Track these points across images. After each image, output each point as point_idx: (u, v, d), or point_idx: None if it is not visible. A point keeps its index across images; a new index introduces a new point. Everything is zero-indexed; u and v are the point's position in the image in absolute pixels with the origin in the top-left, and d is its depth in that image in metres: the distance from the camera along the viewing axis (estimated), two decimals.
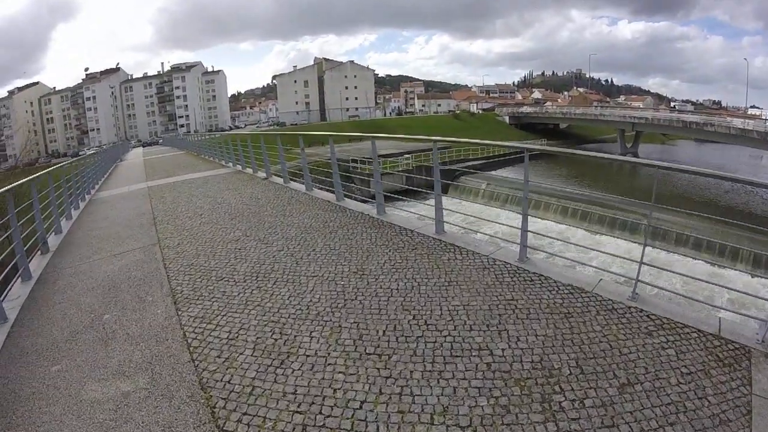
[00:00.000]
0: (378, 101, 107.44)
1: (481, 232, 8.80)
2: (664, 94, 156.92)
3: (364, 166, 27.67)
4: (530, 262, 4.72)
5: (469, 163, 34.56)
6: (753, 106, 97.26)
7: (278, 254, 5.49)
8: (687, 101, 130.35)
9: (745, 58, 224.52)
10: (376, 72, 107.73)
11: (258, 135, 13.52)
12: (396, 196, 17.10)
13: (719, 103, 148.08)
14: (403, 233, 5.97)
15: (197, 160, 21.08)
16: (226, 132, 65.90)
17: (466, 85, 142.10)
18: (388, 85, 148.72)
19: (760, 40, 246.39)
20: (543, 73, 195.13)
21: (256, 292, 4.43)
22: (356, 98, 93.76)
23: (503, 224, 6.88)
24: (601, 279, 4.30)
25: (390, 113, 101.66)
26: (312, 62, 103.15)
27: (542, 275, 4.40)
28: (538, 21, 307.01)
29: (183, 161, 21.89)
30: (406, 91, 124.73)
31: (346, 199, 8.12)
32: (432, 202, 6.15)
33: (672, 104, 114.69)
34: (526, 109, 68.36)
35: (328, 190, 8.77)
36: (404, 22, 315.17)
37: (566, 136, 60.36)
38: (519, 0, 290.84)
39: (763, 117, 57.37)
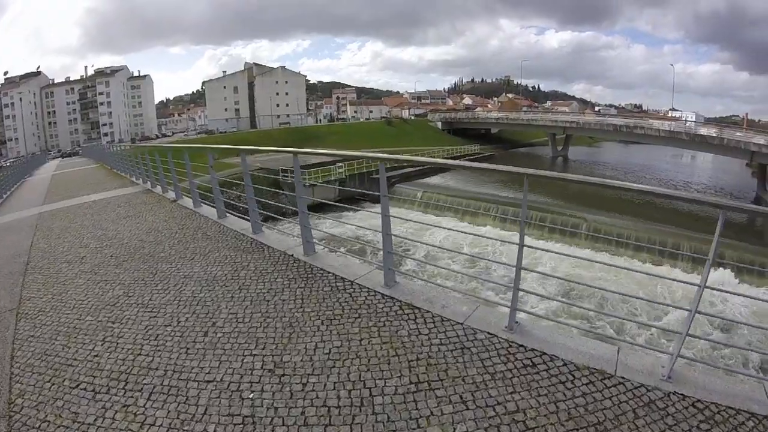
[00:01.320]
0: (310, 108, 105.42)
1: (440, 267, 7.61)
2: (588, 99, 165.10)
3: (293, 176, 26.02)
4: (522, 330, 3.47)
5: (405, 171, 33.54)
6: (673, 109, 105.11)
7: (163, 335, 3.81)
8: (610, 105, 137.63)
9: (672, 64, 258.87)
10: (308, 78, 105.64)
11: (166, 148, 11.60)
12: (340, 203, 15.61)
13: (640, 106, 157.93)
14: (341, 288, 4.43)
15: (108, 176, 18.71)
16: (152, 141, 61.93)
17: (398, 92, 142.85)
18: (320, 91, 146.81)
19: (681, 48, 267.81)
20: (473, 80, 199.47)
21: (120, 416, 2.83)
22: (287, 105, 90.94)
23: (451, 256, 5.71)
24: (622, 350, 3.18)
25: (320, 120, 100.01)
26: (243, 67, 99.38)
27: (544, 353, 3.16)
28: (470, 30, 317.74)
29: (93, 177, 19.37)
30: (338, 98, 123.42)
31: (265, 230, 6.53)
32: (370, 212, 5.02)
33: (596, 108, 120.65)
34: (457, 114, 68.89)
35: (244, 218, 7.07)
36: (338, 28, 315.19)
37: (498, 141, 61.22)
38: (452, 9, 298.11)
39: (684, 118, 62.13)
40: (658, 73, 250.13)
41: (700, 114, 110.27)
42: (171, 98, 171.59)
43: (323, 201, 15.01)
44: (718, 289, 12.10)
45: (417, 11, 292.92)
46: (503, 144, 60.30)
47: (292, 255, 5.43)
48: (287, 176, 26.67)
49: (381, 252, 4.30)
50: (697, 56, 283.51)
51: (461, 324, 3.60)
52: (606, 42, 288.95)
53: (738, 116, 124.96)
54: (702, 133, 37.83)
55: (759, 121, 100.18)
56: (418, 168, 34.30)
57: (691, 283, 2.93)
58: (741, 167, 58.55)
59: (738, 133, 36.63)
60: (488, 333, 3.46)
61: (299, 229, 5.38)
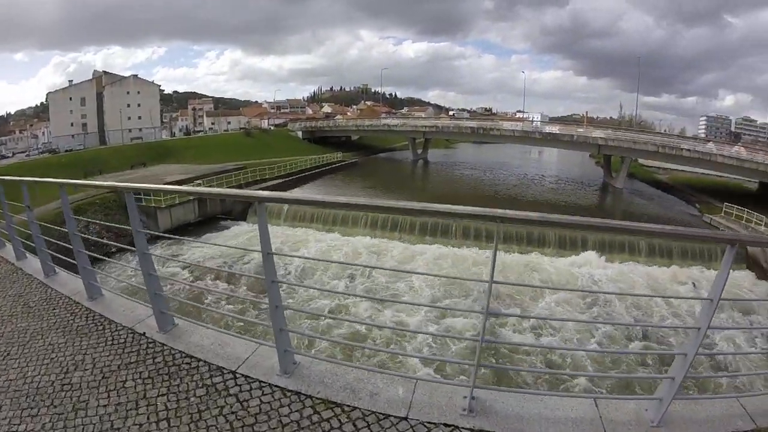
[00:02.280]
0: (164, 120, 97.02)
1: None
2: (443, 105, 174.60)
3: (150, 197, 23.08)
4: (486, 409, 2.69)
5: (269, 183, 31.74)
6: (520, 111, 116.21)
7: None
8: (463, 109, 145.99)
9: (523, 71, 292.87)
10: (162, 88, 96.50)
11: None
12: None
13: (490, 110, 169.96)
14: (219, 385, 3.03)
15: None
16: None
17: (257, 102, 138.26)
18: (175, 102, 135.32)
19: (527, 57, 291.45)
20: (332, 89, 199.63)
21: None
22: (140, 117, 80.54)
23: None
24: None
25: (176, 133, 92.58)
26: (91, 76, 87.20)
27: None
28: (330, 39, 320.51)
29: None
30: (194, 109, 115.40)
31: (105, 293, 4.58)
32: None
33: (451, 112, 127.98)
34: (318, 123, 68.18)
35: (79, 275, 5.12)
36: (197, 35, 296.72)
37: (359, 147, 61.36)
38: (313, 19, 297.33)
39: (531, 119, 68.86)
40: (506, 80, 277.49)
41: (546, 114, 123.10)
42: (12, 112, 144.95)
43: (161, 234, 12.96)
44: (722, 328, 12.26)
45: (278, 19, 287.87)
46: (365, 150, 60.59)
47: (144, 334, 3.82)
48: (140, 198, 22.98)
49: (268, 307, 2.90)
50: (542, 64, 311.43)
51: (405, 419, 2.66)
52: (459, 52, 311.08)
53: (578, 114, 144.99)
54: (554, 131, 42.21)
55: (597, 117, 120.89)
56: (282, 180, 33.01)
57: (690, 327, 2.60)
58: (583, 158, 66.41)
59: (580, 129, 42.03)
60: (444, 425, 2.60)
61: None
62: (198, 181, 26.97)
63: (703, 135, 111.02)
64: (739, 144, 50.72)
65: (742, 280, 20.48)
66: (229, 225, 25.47)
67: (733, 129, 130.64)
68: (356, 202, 2.84)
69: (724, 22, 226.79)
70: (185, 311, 9.87)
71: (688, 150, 34.34)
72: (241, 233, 23.90)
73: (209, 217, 26.06)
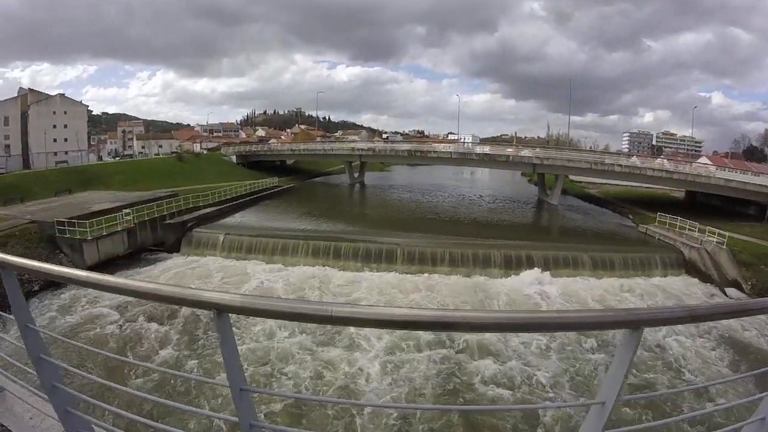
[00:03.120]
0: (92, 143, 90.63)
1: None
2: (375, 128, 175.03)
3: (74, 228, 20.75)
4: None
5: (202, 212, 29.43)
6: (451, 133, 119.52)
7: None
8: (395, 132, 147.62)
9: (457, 95, 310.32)
10: (90, 109, 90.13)
11: None
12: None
13: (422, 132, 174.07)
14: None
15: None
16: None
17: (189, 125, 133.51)
18: (104, 124, 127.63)
19: (457, 81, 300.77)
20: (265, 112, 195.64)
21: None
22: (66, 139, 74.04)
23: None
24: None
25: (102, 157, 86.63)
26: (17, 94, 79.89)
27: None
28: (264, 62, 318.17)
29: None
30: (124, 131, 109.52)
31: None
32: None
33: (384, 135, 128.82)
34: (252, 147, 66.26)
35: None
36: (129, 54, 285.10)
37: (295, 172, 60.03)
38: (247, 42, 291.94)
39: (462, 140, 70.46)
40: (437, 103, 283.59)
41: (477, 135, 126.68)
42: None
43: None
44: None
45: (212, 41, 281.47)
46: (301, 174, 59.29)
47: None
48: (64, 229, 20.89)
49: None
50: (471, 87, 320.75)
51: None
52: (392, 76, 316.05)
53: (507, 135, 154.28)
54: (492, 153, 43.52)
55: (525, 137, 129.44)
56: (216, 207, 31.04)
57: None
58: (514, 177, 68.41)
59: (510, 150, 43.39)
60: None
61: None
62: (127, 210, 24.57)
63: (626, 150, 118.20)
64: (662, 156, 54.20)
65: (678, 286, 21.00)
66: (161, 257, 23.65)
67: (654, 143, 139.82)
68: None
69: (643, 46, 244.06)
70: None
71: (620, 165, 35.80)
72: (174, 267, 22.22)
73: (140, 249, 24.04)
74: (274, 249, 23.27)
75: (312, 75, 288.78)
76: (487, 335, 14.10)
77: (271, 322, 14.62)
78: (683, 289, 20.74)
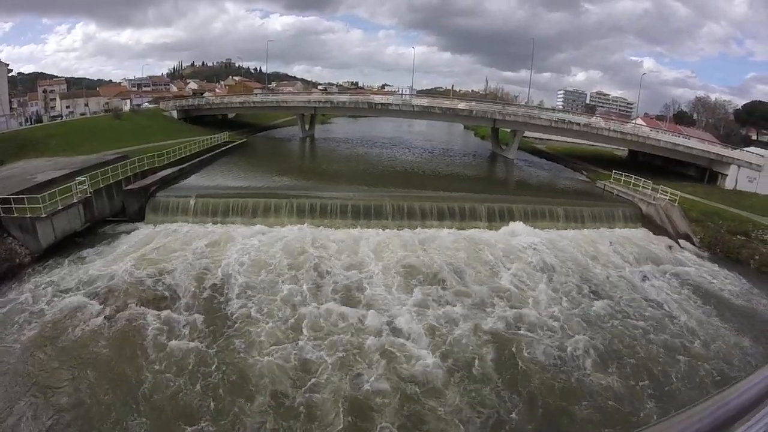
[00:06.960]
0: (13, 106, 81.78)
1: None
2: (309, 79, 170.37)
3: (23, 206, 17.69)
4: None
5: (163, 173, 27.15)
6: (385, 84, 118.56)
7: None
8: (330, 83, 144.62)
9: (413, 47, 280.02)
10: (10, 68, 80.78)
11: None
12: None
13: (356, 83, 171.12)
14: None
15: None
16: None
17: (111, 80, 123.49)
18: (20, 85, 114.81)
19: (393, 33, 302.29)
20: (193, 64, 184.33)
21: None
22: None
23: None
24: None
25: (26, 121, 78.22)
26: None
27: None
28: (193, 11, 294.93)
29: None
30: (45, 91, 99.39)
31: None
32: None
33: (320, 86, 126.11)
34: (196, 101, 62.64)
35: None
36: (45, 6, 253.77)
37: (240, 126, 57.53)
38: None
39: (401, 92, 72.08)
40: (372, 54, 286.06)
41: (413, 87, 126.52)
42: None
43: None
44: None
45: None
46: (246, 128, 56.87)
47: None
48: (8, 207, 17.81)
49: None
50: (408, 39, 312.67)
51: None
52: (327, 26, 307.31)
53: (441, 87, 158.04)
54: (455, 107, 43.90)
55: (460, 90, 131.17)
56: (177, 168, 29.09)
57: None
58: (455, 129, 69.53)
59: (461, 104, 43.96)
60: None
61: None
62: (81, 177, 21.94)
63: (560, 107, 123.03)
64: (595, 114, 57.52)
65: (640, 237, 23.14)
66: (126, 229, 21.19)
67: (588, 101, 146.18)
68: None
69: (582, 9, 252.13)
70: None
71: (578, 124, 37.64)
72: (146, 238, 19.95)
73: (98, 221, 21.36)
74: (255, 210, 22.17)
75: (244, 24, 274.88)
76: None
77: None
78: (645, 240, 22.90)
